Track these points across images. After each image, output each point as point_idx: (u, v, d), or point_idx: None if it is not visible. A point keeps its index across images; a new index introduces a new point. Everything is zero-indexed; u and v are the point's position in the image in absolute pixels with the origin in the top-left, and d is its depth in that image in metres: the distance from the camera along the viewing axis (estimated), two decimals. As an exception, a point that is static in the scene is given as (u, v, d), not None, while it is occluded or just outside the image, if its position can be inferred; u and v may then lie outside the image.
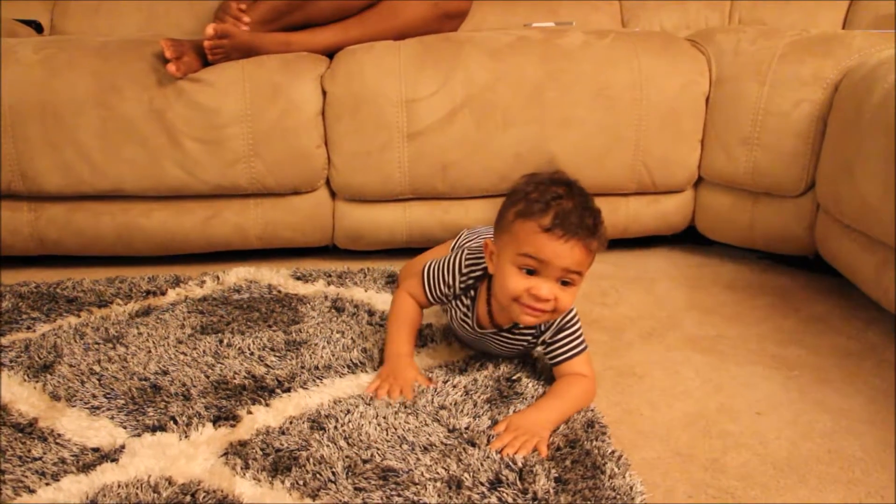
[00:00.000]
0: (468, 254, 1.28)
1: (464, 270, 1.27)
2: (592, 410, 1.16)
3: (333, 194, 1.82)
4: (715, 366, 1.37)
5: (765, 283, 1.76)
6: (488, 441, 1.07)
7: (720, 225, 1.88)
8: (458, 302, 1.29)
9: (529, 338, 1.26)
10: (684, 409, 1.23)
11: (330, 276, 1.71)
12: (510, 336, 1.27)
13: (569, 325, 1.23)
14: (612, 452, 1.05)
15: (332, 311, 1.53)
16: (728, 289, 1.72)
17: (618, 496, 0.96)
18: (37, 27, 2.21)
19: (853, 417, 1.20)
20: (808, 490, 1.03)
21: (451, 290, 1.28)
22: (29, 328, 1.47)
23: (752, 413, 1.22)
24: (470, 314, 1.28)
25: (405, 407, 1.15)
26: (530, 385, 1.23)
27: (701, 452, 1.11)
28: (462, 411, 1.15)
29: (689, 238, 1.99)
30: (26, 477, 1.01)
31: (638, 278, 1.78)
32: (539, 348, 1.28)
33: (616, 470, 1.01)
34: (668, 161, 1.81)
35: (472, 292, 1.27)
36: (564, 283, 1.13)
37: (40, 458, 1.05)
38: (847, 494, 1.02)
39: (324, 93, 1.73)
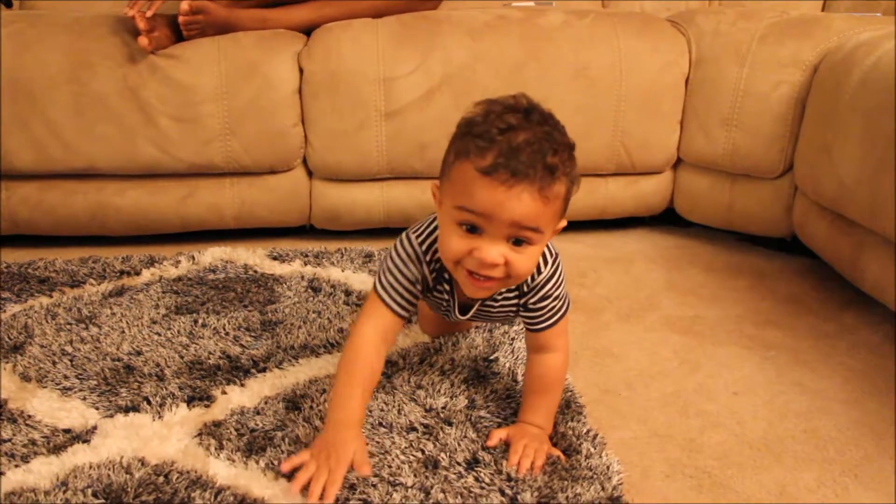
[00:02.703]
0: (417, 233, 1.03)
1: (427, 255, 1.02)
2: (571, 391, 1.16)
3: (310, 173, 1.80)
4: (692, 346, 1.37)
5: (742, 264, 1.77)
6: (469, 421, 1.07)
7: (699, 206, 1.88)
8: (434, 294, 1.06)
9: (514, 301, 1.04)
10: (661, 390, 1.23)
11: (307, 255, 1.70)
12: (494, 304, 1.05)
13: (553, 289, 1.02)
14: (588, 432, 1.05)
15: (309, 290, 1.52)
16: (706, 270, 1.73)
17: (594, 476, 0.96)
18: (5, 2, 2.16)
19: (828, 397, 1.21)
20: (783, 469, 1.03)
21: (420, 284, 1.03)
22: (-1, 308, 1.45)
23: (728, 393, 1.22)
24: (451, 301, 1.06)
25: (383, 387, 1.14)
26: (507, 364, 1.22)
27: (678, 432, 1.11)
28: (439, 391, 1.14)
29: (667, 219, 1.99)
30: (-5, 458, 0.99)
31: (616, 259, 1.78)
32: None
33: (592, 450, 1.01)
34: (648, 142, 1.81)
35: (447, 275, 1.03)
36: (518, 243, 0.89)
37: (9, 440, 1.03)
38: (821, 473, 1.03)
39: (301, 71, 1.71)
